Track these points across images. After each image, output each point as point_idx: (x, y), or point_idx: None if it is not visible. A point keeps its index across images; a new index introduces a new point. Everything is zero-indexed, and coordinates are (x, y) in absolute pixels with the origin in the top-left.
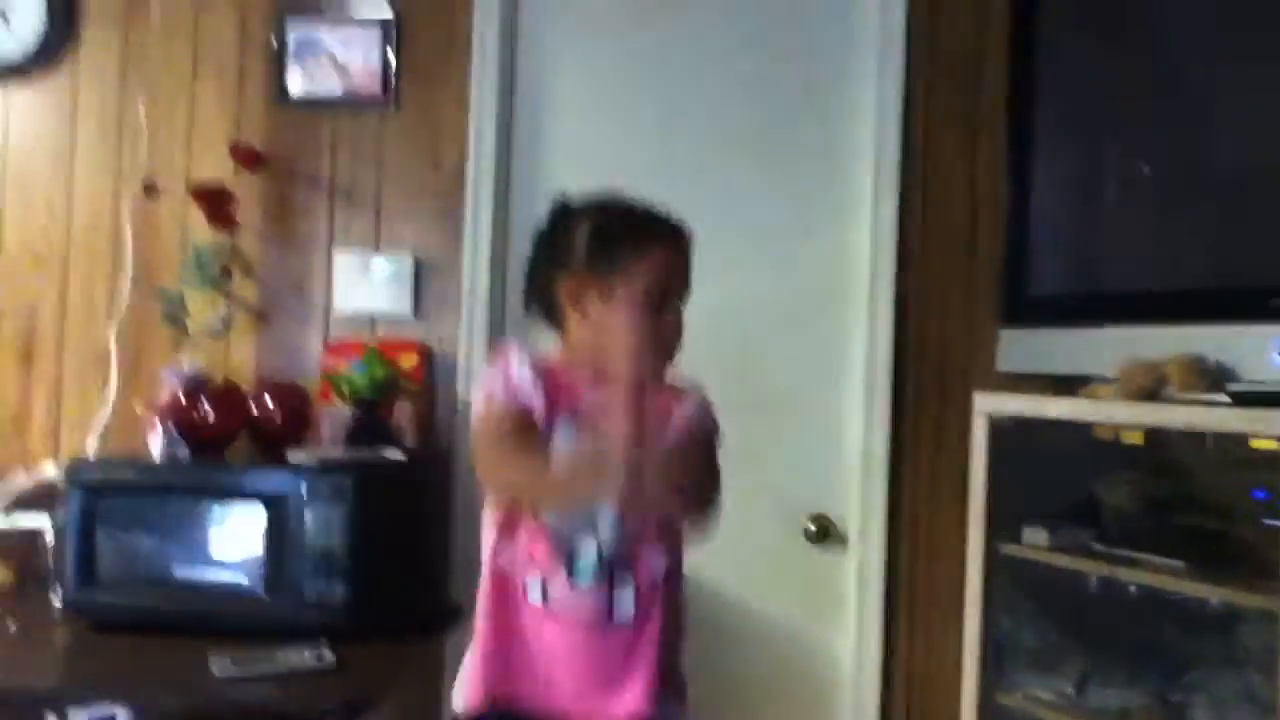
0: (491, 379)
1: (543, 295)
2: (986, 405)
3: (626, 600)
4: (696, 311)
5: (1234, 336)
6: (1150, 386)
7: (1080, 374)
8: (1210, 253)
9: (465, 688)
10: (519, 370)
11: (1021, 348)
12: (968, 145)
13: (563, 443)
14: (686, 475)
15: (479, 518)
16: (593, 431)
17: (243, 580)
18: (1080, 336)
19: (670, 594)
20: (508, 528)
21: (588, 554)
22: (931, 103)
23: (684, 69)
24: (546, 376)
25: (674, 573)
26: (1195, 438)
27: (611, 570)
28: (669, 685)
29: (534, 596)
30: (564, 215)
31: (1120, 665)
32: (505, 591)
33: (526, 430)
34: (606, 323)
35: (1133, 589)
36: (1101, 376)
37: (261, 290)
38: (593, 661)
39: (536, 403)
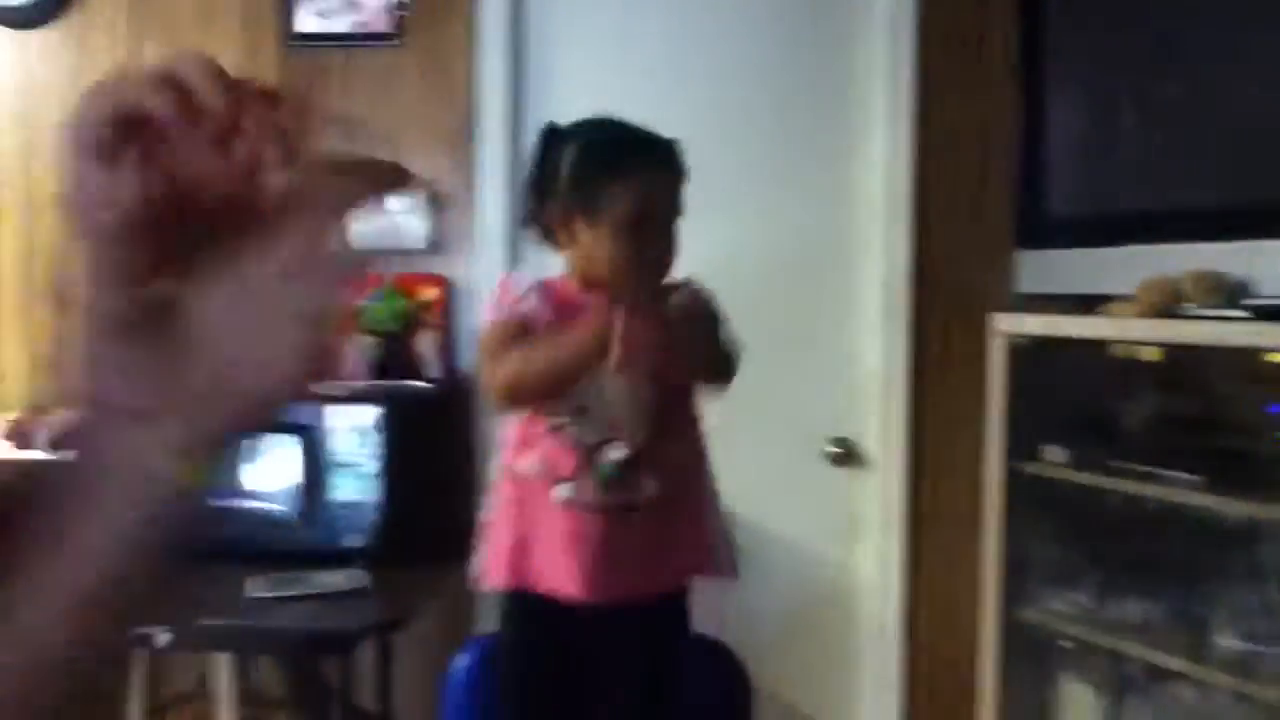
0: (493, 302)
1: (536, 219)
2: (1004, 325)
3: (652, 485)
4: (714, 244)
5: (1252, 252)
6: (1168, 303)
7: (1099, 294)
8: (1227, 170)
9: (493, 571)
10: (518, 290)
11: (1040, 269)
12: (981, 70)
13: None
14: (684, 333)
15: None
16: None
17: (278, 508)
18: (1098, 256)
19: (696, 472)
20: (526, 440)
21: (611, 455)
22: (944, 29)
23: (697, 5)
24: (551, 296)
25: (694, 454)
26: (1213, 353)
27: (636, 466)
28: (712, 547)
29: (560, 496)
30: (551, 141)
31: (1139, 579)
32: (528, 495)
33: (523, 338)
34: (593, 247)
35: (1151, 504)
36: (1120, 296)
37: None
38: (627, 543)
39: (541, 316)
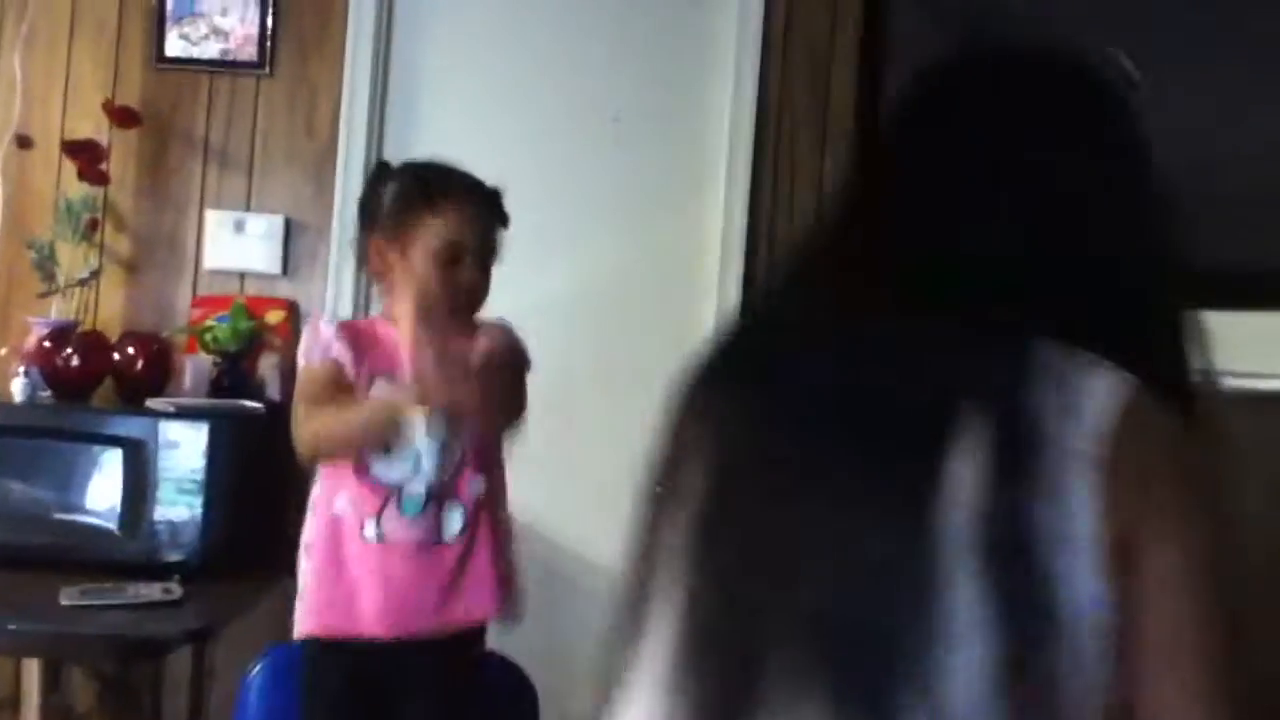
0: (305, 345)
1: (361, 254)
2: None
3: (455, 520)
4: (554, 287)
5: None
6: None
7: None
8: None
9: (302, 621)
10: (326, 332)
11: None
12: (820, 129)
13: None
14: (488, 382)
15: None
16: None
17: (100, 520)
18: None
19: (493, 510)
20: (337, 481)
21: (414, 488)
22: (785, 88)
23: (557, 50)
24: (359, 337)
25: (494, 492)
26: None
27: (439, 498)
28: (503, 588)
29: (369, 534)
30: (379, 177)
31: None
32: (339, 536)
33: (333, 383)
34: (405, 277)
35: None
36: None
37: (133, 244)
38: (430, 579)
39: (346, 360)
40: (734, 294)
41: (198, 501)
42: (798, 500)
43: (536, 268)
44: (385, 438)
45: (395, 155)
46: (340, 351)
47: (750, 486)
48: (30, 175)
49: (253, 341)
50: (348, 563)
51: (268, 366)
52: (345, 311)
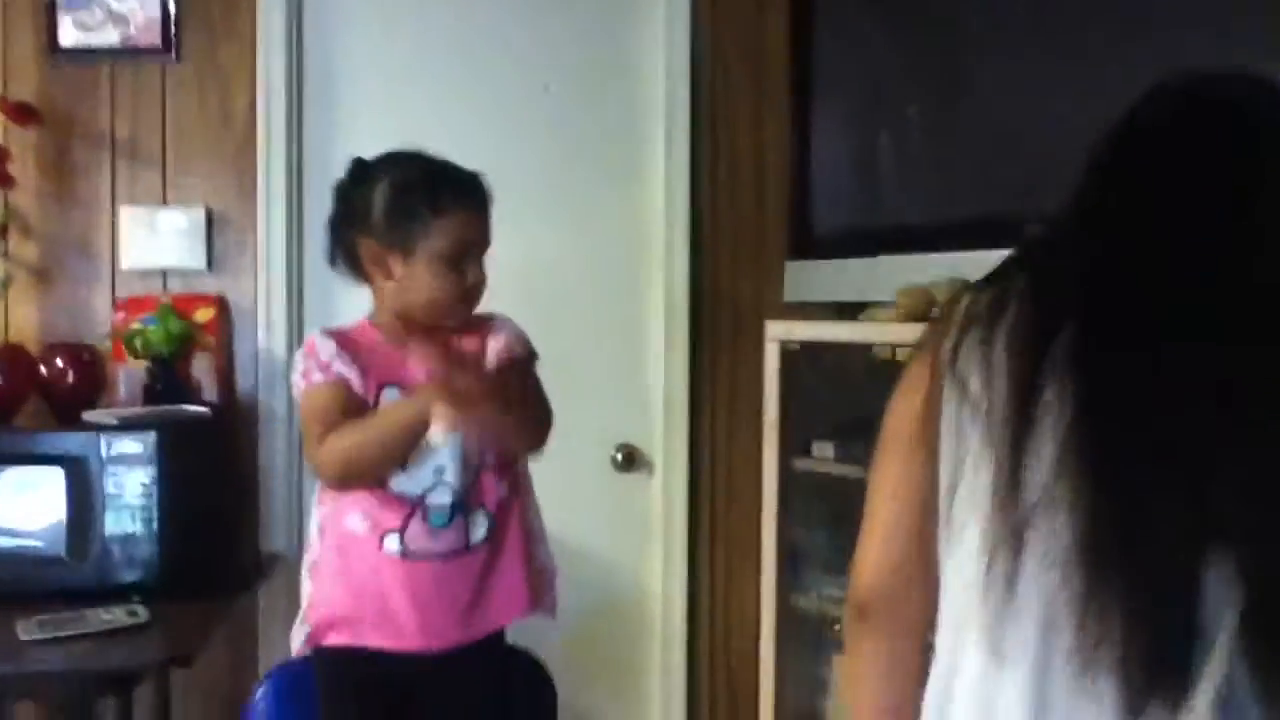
0: (303, 366)
1: (346, 255)
2: (777, 332)
3: (480, 527)
4: (502, 265)
5: (992, 262)
6: (922, 308)
7: (860, 301)
8: (974, 186)
9: (318, 637)
10: (324, 349)
11: (806, 279)
12: (755, 96)
13: None
14: (509, 396)
15: (284, 468)
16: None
17: (46, 545)
18: (859, 266)
19: (520, 509)
20: (348, 498)
21: (439, 499)
22: (719, 52)
23: (478, 24)
24: (357, 348)
25: (517, 492)
26: None
27: (464, 506)
28: (531, 585)
29: (391, 548)
30: (362, 175)
31: None
32: (353, 551)
33: (343, 402)
34: (410, 281)
35: None
36: (880, 303)
37: (42, 249)
38: (459, 588)
39: (352, 376)
40: (682, 268)
41: (150, 516)
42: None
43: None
44: (415, 442)
45: (317, 136)
46: (343, 368)
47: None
48: None
49: (185, 343)
50: (368, 578)
51: (201, 368)
52: (278, 307)
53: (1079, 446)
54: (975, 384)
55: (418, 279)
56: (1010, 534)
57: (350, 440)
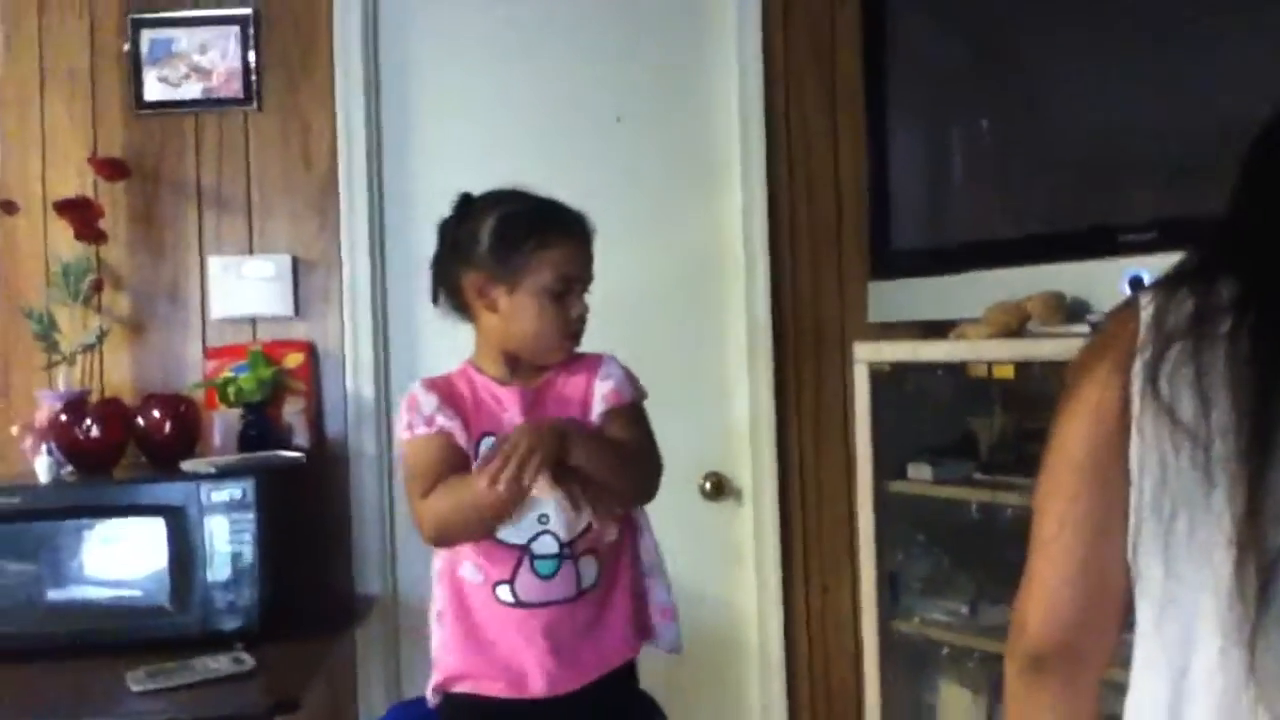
0: (406, 418)
1: (450, 289)
2: (865, 354)
3: (591, 570)
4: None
5: (1087, 272)
6: (1015, 323)
7: (945, 319)
8: (1061, 197)
9: (446, 682)
10: (426, 401)
11: (890, 299)
12: (829, 114)
13: None
14: (617, 464)
15: (375, 510)
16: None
17: (148, 595)
18: (943, 284)
19: (631, 549)
20: (459, 546)
21: (546, 548)
22: (792, 72)
23: (548, 54)
24: (457, 398)
25: (629, 532)
26: (1059, 368)
27: (571, 553)
28: (641, 625)
29: (504, 597)
30: (467, 210)
31: (1007, 584)
32: (470, 599)
33: (445, 456)
34: (515, 315)
35: (1009, 511)
36: (967, 320)
37: (134, 301)
38: (571, 634)
39: (454, 429)
40: (762, 288)
41: (250, 562)
42: None
43: None
44: (511, 508)
45: (396, 178)
46: (446, 421)
47: None
48: (16, 240)
49: (276, 388)
50: (488, 627)
51: (292, 412)
52: (365, 350)
53: None
54: (1187, 409)
55: (522, 311)
56: (1257, 584)
57: (446, 504)
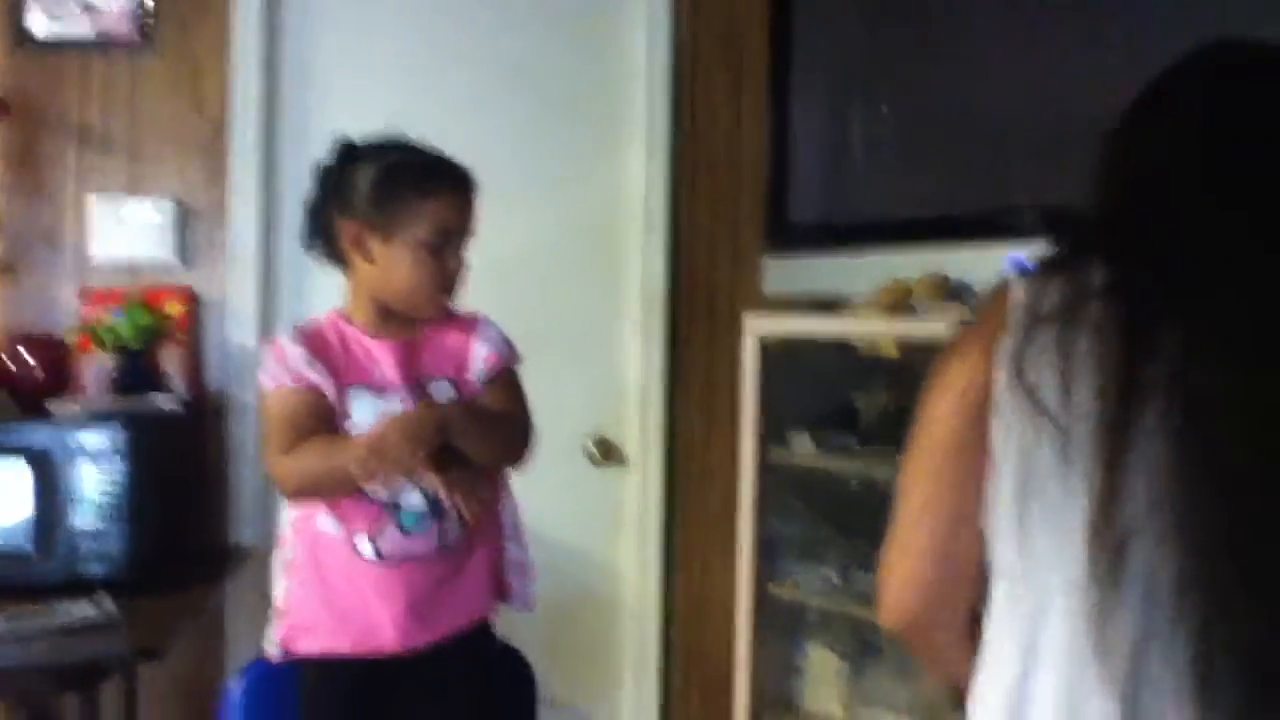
0: (271, 368)
1: (326, 236)
2: (756, 326)
3: (454, 527)
4: (476, 254)
5: (971, 256)
6: (901, 303)
7: (838, 296)
8: (947, 181)
9: (291, 641)
10: (293, 353)
11: (784, 273)
12: (733, 86)
13: (358, 413)
14: (496, 441)
15: (253, 461)
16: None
17: (11, 540)
18: (837, 261)
19: (492, 512)
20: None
21: (412, 503)
22: (698, 44)
23: (454, 13)
24: (327, 348)
25: (492, 495)
26: (939, 348)
27: (437, 508)
28: (506, 582)
29: (364, 551)
30: (347, 158)
31: (877, 552)
32: (327, 553)
33: (311, 410)
34: (389, 265)
35: (886, 485)
36: (858, 297)
37: (9, 242)
38: (432, 588)
39: (322, 382)
40: (657, 259)
41: (118, 510)
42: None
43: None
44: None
45: (292, 130)
46: (313, 375)
47: (1233, 433)
48: None
49: (154, 336)
50: (341, 580)
51: (170, 361)
52: (249, 300)
53: (1185, 472)
54: (1050, 394)
55: (398, 263)
56: (1107, 563)
57: (307, 465)
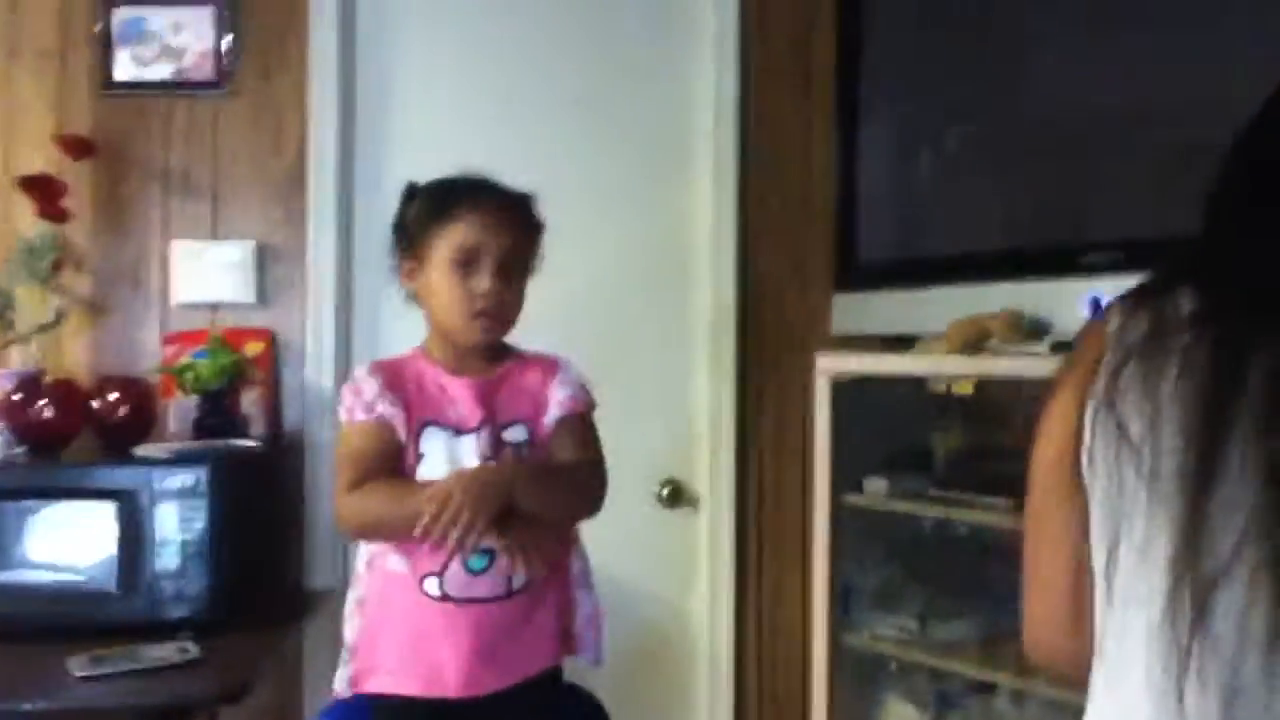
0: (346, 400)
1: (396, 277)
2: (827, 365)
3: (521, 575)
4: (545, 294)
5: (1049, 292)
6: (976, 340)
7: (909, 334)
8: (1024, 216)
9: (360, 680)
10: (368, 387)
11: (854, 311)
12: (802, 119)
13: (430, 451)
14: (564, 497)
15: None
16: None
17: (95, 580)
18: (908, 298)
19: (561, 560)
20: None
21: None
22: (766, 77)
23: (523, 45)
24: (402, 383)
25: (562, 542)
26: (1016, 386)
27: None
28: (573, 632)
29: (431, 591)
30: (406, 199)
31: (956, 600)
32: (396, 591)
33: (381, 445)
34: (428, 292)
35: (963, 528)
36: (930, 335)
37: (94, 283)
38: (497, 633)
39: (394, 418)
40: (727, 300)
41: (201, 551)
42: None
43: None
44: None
45: (367, 168)
46: (386, 408)
47: None
48: None
49: (235, 376)
50: (411, 621)
51: (250, 401)
52: (327, 341)
53: (1268, 519)
54: (1137, 427)
55: (434, 288)
56: (1190, 614)
57: (370, 507)
